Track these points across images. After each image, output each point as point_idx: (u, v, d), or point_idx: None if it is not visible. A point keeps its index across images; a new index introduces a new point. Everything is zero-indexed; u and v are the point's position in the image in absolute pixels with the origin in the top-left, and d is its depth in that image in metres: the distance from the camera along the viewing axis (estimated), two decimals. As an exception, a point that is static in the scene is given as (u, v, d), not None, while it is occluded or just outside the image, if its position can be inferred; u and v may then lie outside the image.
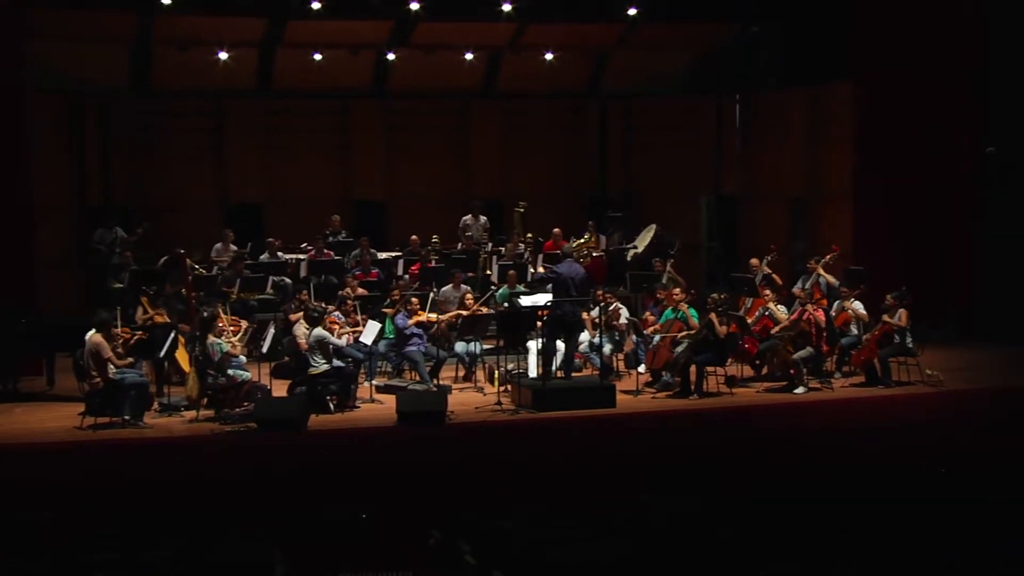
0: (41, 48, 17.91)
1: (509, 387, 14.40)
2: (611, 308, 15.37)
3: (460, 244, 19.31)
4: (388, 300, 15.57)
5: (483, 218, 19.96)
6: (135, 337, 13.92)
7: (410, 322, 14.94)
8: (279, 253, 18.20)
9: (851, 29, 18.90)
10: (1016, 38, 17.52)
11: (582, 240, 18.76)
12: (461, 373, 15.58)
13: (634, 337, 15.69)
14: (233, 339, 13.80)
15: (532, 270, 17.90)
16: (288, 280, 17.38)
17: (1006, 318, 17.38)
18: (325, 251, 18.25)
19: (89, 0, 18.78)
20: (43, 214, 17.41)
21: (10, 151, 16.04)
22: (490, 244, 19.09)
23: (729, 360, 15.02)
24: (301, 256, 18.17)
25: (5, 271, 15.72)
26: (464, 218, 19.92)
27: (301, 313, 14.37)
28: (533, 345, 14.89)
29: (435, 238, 18.66)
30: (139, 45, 20.66)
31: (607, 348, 15.19)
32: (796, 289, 15.98)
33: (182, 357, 14.15)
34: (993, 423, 13.36)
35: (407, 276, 17.52)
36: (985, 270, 18.01)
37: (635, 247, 19.39)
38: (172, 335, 14.02)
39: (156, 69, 21.08)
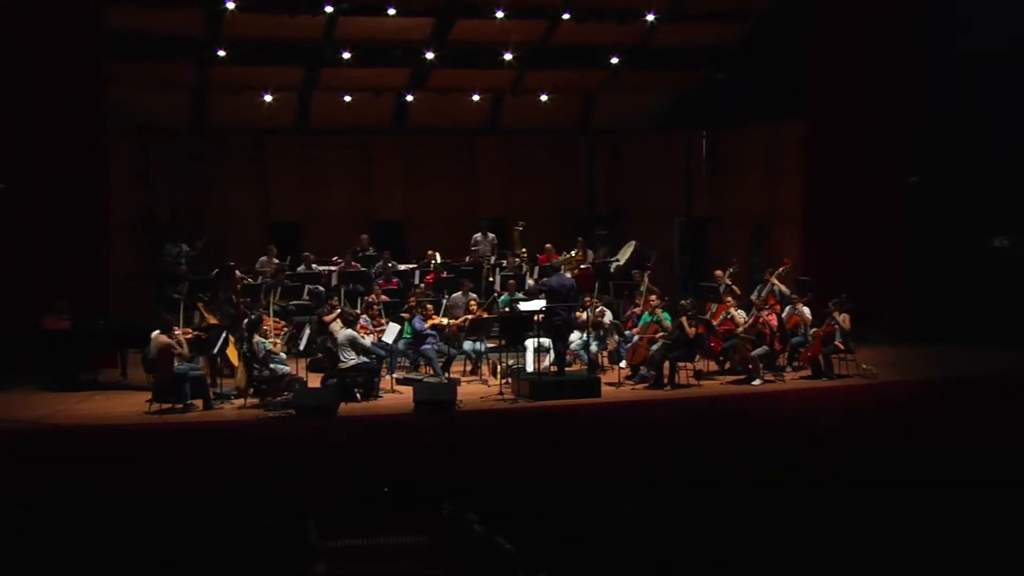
0: (118, 93, 17.98)
1: (510, 380, 14.37)
2: (597, 311, 15.41)
3: (467, 257, 19.33)
4: (406, 305, 15.61)
5: (491, 235, 19.95)
6: (193, 336, 14.03)
7: (426, 325, 14.99)
8: (313, 265, 18.24)
9: (802, 76, 18.96)
10: (940, 85, 17.60)
11: (571, 255, 18.78)
12: (469, 368, 15.60)
13: (616, 337, 15.71)
14: (275, 339, 13.86)
15: (529, 280, 17.95)
16: (321, 288, 17.40)
17: (934, 320, 17.39)
18: (353, 263, 18.29)
19: (157, 53, 18.87)
20: (117, 232, 17.48)
21: (90, 179, 16.11)
22: (494, 257, 19.08)
23: (697, 357, 15.02)
24: (332, 268, 18.20)
25: (86, 280, 15.78)
26: (475, 235, 19.94)
27: (336, 313, 14.43)
28: (530, 344, 14.91)
29: (433, 253, 18.67)
30: (198, 90, 20.79)
31: (593, 346, 15.22)
32: (754, 296, 16.04)
33: (232, 354, 14.20)
34: (919, 409, 13.44)
35: (423, 285, 17.56)
36: (915, 279, 18.04)
37: (617, 260, 19.39)
38: (224, 335, 14.08)
39: (211, 110, 21.19)
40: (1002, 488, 8.94)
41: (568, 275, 15.23)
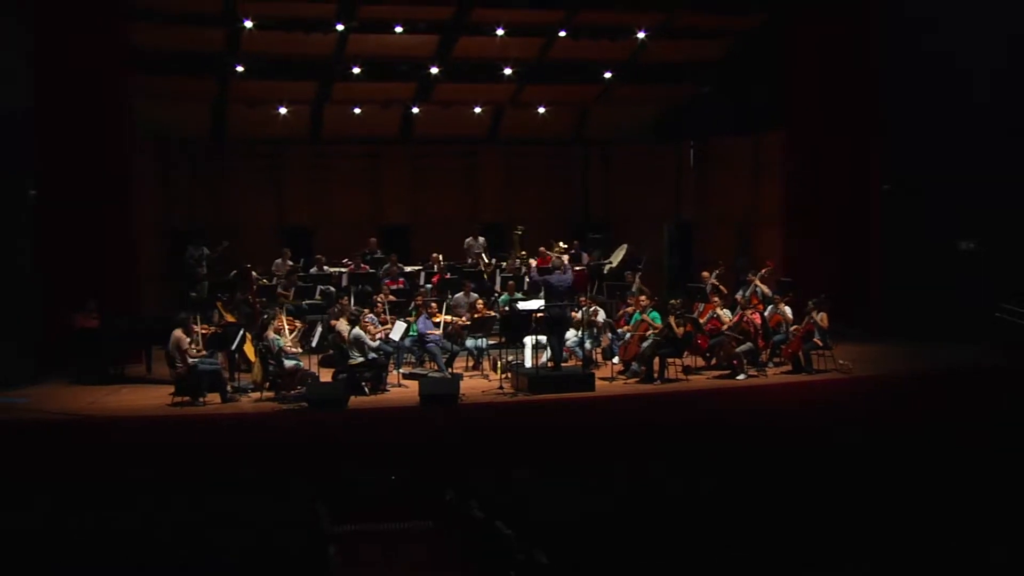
0: (143, 105, 17.99)
1: (509, 375, 14.37)
2: (591, 311, 15.41)
3: (469, 260, 19.30)
4: (412, 304, 15.61)
5: (481, 239, 19.93)
6: (212, 333, 14.05)
7: (432, 323, 14.98)
8: (325, 267, 18.23)
9: (782, 90, 18.99)
10: (907, 100, 17.65)
11: (560, 245, 18.59)
12: (471, 364, 15.57)
13: (610, 334, 15.70)
14: (288, 336, 13.87)
15: (527, 280, 17.91)
16: (332, 288, 17.38)
17: (905, 319, 17.44)
18: (362, 265, 18.28)
19: (179, 68, 18.96)
20: (141, 235, 17.49)
21: (118, 187, 16.10)
22: (492, 260, 19.03)
23: (685, 353, 15.02)
24: (342, 269, 18.17)
25: (114, 282, 15.77)
26: (467, 240, 19.90)
27: (344, 316, 14.42)
28: (528, 341, 14.89)
29: (438, 255, 18.63)
30: (217, 103, 20.80)
31: (588, 343, 15.22)
32: (738, 296, 16.03)
33: (249, 350, 14.20)
34: (891, 401, 13.46)
35: (428, 285, 17.55)
36: (888, 280, 18.08)
37: (610, 262, 19.37)
38: (241, 332, 14.09)
39: (230, 121, 21.21)
40: (967, 472, 8.96)
41: (565, 261, 15.07)
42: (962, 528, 7.39)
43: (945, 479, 8.74)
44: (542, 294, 14.84)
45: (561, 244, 17.90)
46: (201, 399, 13.19)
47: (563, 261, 14.88)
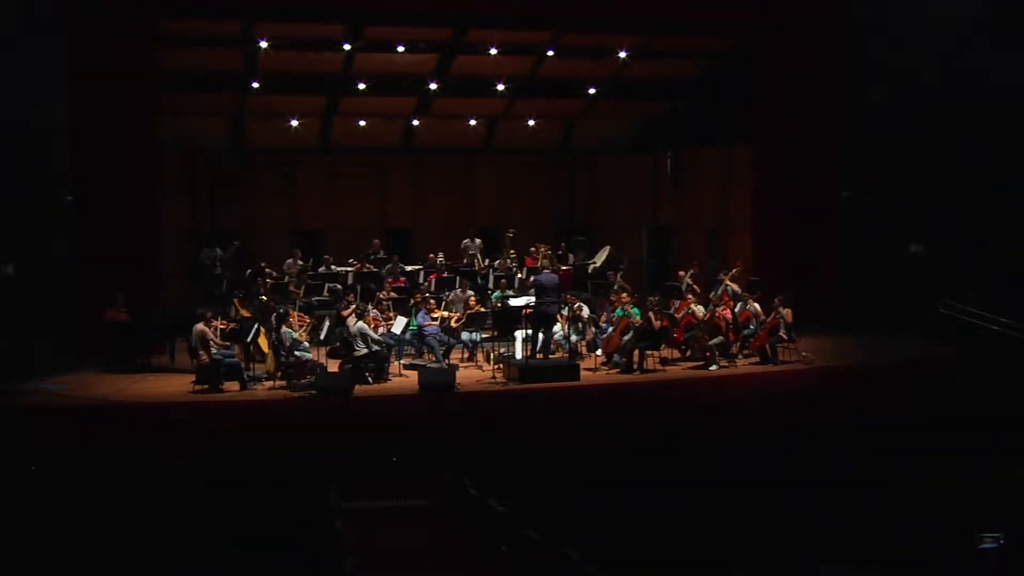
0: (170, 121, 17.95)
1: (501, 365, 14.35)
2: (576, 307, 15.42)
3: (464, 260, 19.28)
4: (412, 301, 15.59)
5: (478, 240, 19.92)
6: (229, 326, 14.03)
7: (428, 318, 14.98)
8: (332, 266, 18.19)
9: (750, 107, 19.01)
10: (863, 116, 17.69)
11: (542, 248, 18.61)
12: (466, 355, 15.53)
13: (593, 329, 15.70)
14: (300, 330, 13.86)
15: (519, 277, 17.91)
16: (339, 287, 17.34)
17: (859, 313, 17.50)
18: (367, 265, 18.25)
19: (201, 86, 18.93)
20: (167, 237, 17.44)
21: (146, 194, 16.05)
22: (486, 260, 19.01)
23: (662, 346, 15.01)
24: (349, 269, 18.14)
25: (142, 280, 15.73)
26: (464, 241, 19.87)
27: (352, 309, 14.41)
28: (519, 334, 14.87)
29: (436, 256, 18.60)
30: (236, 117, 20.79)
31: (573, 337, 15.22)
32: (711, 294, 16.03)
33: (263, 342, 14.18)
34: (848, 388, 13.53)
35: (427, 283, 17.53)
36: (844, 279, 18.13)
37: (594, 263, 19.33)
38: (256, 326, 14.07)
39: (248, 134, 21.19)
40: (913, 452, 9.03)
41: (550, 272, 15.11)
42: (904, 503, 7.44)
43: (892, 458, 8.81)
44: (532, 291, 14.83)
45: (544, 247, 17.94)
46: (220, 387, 13.17)
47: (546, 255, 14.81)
